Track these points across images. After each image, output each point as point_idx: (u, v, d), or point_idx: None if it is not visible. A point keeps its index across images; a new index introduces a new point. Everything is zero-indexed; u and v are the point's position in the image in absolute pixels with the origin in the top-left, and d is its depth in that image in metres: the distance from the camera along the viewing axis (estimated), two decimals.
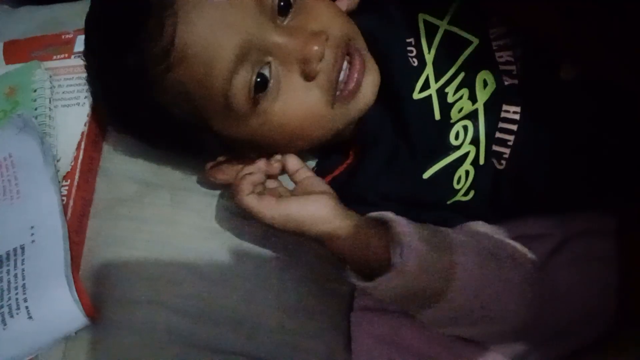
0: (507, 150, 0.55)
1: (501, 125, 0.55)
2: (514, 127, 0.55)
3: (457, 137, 0.55)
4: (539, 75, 0.55)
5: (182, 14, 0.49)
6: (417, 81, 0.56)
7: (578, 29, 0.49)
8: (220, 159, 0.59)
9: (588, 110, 0.54)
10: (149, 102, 0.52)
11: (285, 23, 0.53)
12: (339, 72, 0.53)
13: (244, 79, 0.51)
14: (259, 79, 0.51)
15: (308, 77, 0.52)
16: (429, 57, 0.57)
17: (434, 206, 0.56)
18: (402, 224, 0.49)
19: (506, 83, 0.56)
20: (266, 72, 0.52)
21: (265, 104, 0.52)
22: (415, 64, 0.57)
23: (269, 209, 0.53)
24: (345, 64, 0.54)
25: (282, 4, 0.52)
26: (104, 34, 0.54)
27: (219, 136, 0.55)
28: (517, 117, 0.54)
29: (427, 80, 0.57)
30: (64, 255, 0.55)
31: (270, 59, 0.52)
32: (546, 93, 0.55)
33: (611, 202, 0.58)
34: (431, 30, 0.57)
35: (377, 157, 0.57)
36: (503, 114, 0.55)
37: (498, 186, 0.56)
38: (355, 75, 0.54)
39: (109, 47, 0.53)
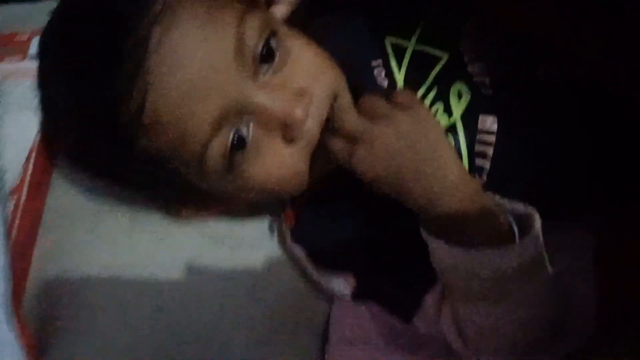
0: (488, 164, 0.53)
1: (479, 137, 0.54)
2: (492, 139, 0.53)
3: None
4: (514, 84, 0.55)
5: (154, 79, 0.44)
6: None
7: (578, 30, 0.49)
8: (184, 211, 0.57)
9: (566, 116, 0.54)
10: (111, 156, 0.50)
11: (266, 77, 0.49)
12: (321, 133, 0.50)
13: (220, 143, 0.47)
14: (235, 141, 0.48)
15: (289, 140, 0.49)
16: (400, 77, 0.55)
17: None
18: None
19: (482, 93, 0.55)
20: (244, 131, 0.48)
21: (243, 166, 0.49)
22: (386, 84, 0.55)
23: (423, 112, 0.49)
24: None
25: (264, 51, 0.48)
26: (66, 74, 0.50)
27: (188, 188, 0.52)
28: (494, 127, 0.53)
29: None
30: (3, 287, 0.49)
31: (249, 118, 0.48)
32: (521, 102, 0.54)
33: (589, 215, 0.56)
34: (400, 52, 0.56)
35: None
36: (480, 125, 0.54)
37: None
38: None
39: (71, 91, 0.49)
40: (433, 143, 0.48)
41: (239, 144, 0.48)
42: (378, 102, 0.49)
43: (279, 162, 0.49)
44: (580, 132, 0.53)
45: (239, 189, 0.51)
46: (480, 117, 0.53)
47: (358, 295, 0.55)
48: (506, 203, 0.48)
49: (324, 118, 0.49)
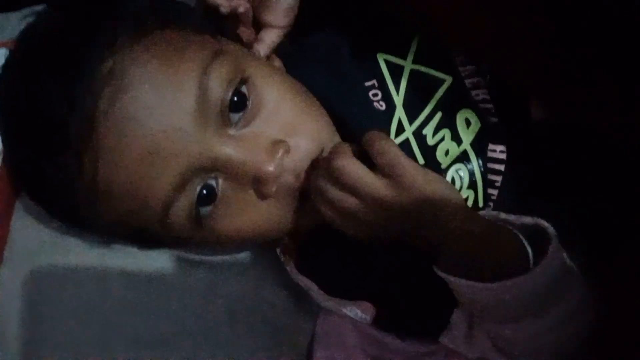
0: (495, 192, 0.53)
1: (489, 165, 0.53)
2: (502, 167, 0.53)
3: (453, 184, 0.52)
4: (515, 114, 0.54)
5: (103, 152, 0.40)
6: (389, 126, 0.51)
7: (545, 66, 0.46)
8: None
9: (561, 150, 0.53)
10: (73, 215, 0.46)
11: (238, 128, 0.43)
12: (302, 185, 0.45)
13: (183, 206, 0.43)
14: (203, 194, 0.43)
15: (262, 196, 0.44)
16: (399, 99, 0.52)
17: None
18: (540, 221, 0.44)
19: (489, 121, 0.53)
20: (213, 184, 0.43)
21: (212, 222, 0.44)
22: (383, 107, 0.52)
23: (413, 169, 0.42)
24: None
25: (236, 99, 0.43)
26: (21, 155, 0.46)
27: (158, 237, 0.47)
28: (503, 156, 0.53)
29: (400, 123, 0.52)
30: None
31: (217, 174, 0.43)
32: (524, 131, 0.54)
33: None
34: (396, 71, 0.52)
35: None
36: (490, 154, 0.53)
37: None
38: None
39: (27, 168, 0.46)
40: (428, 205, 0.42)
41: (208, 198, 0.43)
42: (354, 170, 0.42)
43: (253, 216, 0.45)
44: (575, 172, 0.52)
45: (212, 241, 0.47)
46: (490, 146, 0.52)
47: (380, 319, 0.50)
48: (514, 219, 0.45)
49: (303, 171, 0.45)
